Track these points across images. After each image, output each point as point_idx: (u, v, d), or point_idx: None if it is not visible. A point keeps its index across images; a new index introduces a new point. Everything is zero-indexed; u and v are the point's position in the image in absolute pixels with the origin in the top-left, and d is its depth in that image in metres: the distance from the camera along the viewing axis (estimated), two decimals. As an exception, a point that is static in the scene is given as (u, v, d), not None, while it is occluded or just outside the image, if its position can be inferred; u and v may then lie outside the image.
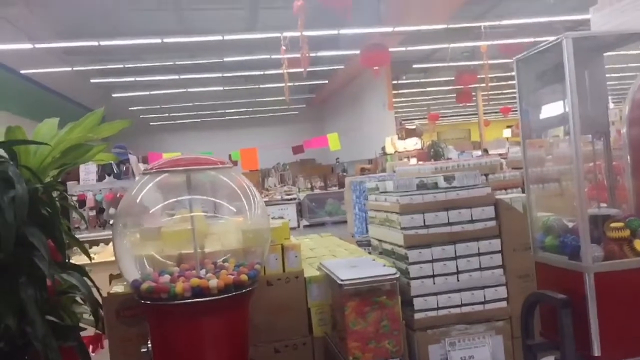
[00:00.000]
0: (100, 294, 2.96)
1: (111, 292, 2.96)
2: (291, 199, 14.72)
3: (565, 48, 2.29)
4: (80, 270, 2.94)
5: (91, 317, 2.93)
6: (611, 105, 3.00)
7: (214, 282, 2.41)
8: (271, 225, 3.06)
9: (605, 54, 2.68)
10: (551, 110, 2.69)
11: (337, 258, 3.47)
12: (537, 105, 2.79)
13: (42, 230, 2.56)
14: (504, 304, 3.29)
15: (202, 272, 2.60)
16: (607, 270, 2.30)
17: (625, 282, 2.32)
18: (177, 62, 14.72)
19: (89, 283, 2.91)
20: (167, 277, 2.52)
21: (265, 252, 2.80)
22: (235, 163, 13.24)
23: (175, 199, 2.76)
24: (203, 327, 2.43)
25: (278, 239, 3.13)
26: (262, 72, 16.30)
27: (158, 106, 21.71)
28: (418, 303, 3.19)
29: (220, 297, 2.39)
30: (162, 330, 2.48)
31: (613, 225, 2.34)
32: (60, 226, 2.84)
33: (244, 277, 2.50)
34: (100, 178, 7.96)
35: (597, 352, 2.29)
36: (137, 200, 2.66)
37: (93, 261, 3.82)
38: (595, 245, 2.33)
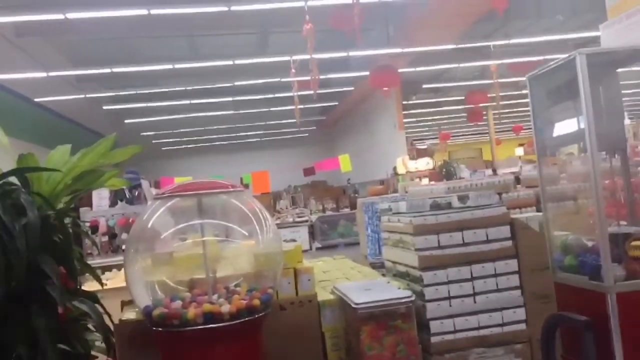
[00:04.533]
0: (112, 321, 2.92)
1: (123, 318, 2.92)
2: (303, 221, 14.65)
3: (579, 64, 2.26)
4: (92, 297, 2.92)
5: (103, 345, 2.90)
6: (627, 121, 2.96)
7: (226, 308, 2.37)
8: (283, 248, 3.02)
9: (619, 70, 2.65)
10: (566, 127, 2.65)
11: (351, 281, 3.41)
12: (551, 122, 2.75)
13: (54, 258, 2.55)
14: (523, 326, 3.21)
15: (214, 297, 2.56)
16: (630, 290, 2.24)
17: (649, 302, 2.25)
18: (188, 88, 14.85)
19: (100, 310, 2.88)
20: (179, 303, 2.49)
21: (278, 276, 2.76)
22: (246, 186, 13.28)
23: (186, 224, 2.74)
24: (216, 353, 2.39)
25: (290, 263, 3.09)
26: (272, 95, 16.40)
27: (170, 131, 21.87)
28: (434, 326, 3.12)
29: (232, 322, 2.35)
30: (174, 357, 2.44)
31: (635, 243, 2.28)
32: (72, 253, 2.82)
33: (256, 301, 2.46)
34: (113, 204, 7.98)
35: (621, 375, 2.21)
36: (149, 226, 2.65)
37: (105, 287, 3.80)
38: (617, 265, 2.27)
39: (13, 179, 2.77)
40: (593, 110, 2.32)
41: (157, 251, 2.74)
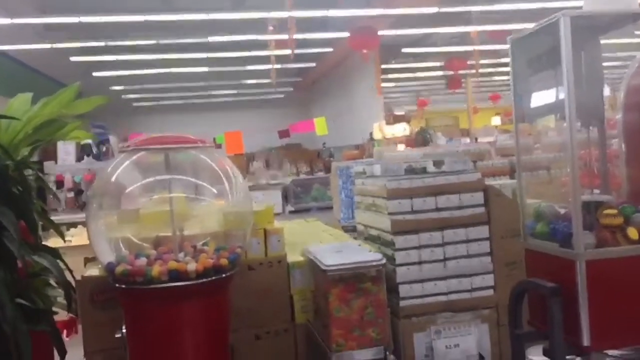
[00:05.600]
0: (74, 277, 2.84)
1: (85, 275, 2.84)
2: (276, 184, 14.59)
3: (563, 26, 2.19)
4: (53, 252, 2.83)
5: (65, 301, 2.82)
6: (607, 93, 2.92)
7: (192, 266, 2.31)
8: (254, 208, 2.95)
9: (600, 38, 2.60)
10: (545, 95, 2.60)
11: (322, 243, 3.38)
12: (531, 89, 2.70)
13: (13, 210, 2.44)
14: (490, 291, 3.23)
15: (181, 255, 2.49)
16: (599, 258, 2.23)
17: (618, 271, 2.25)
18: (160, 41, 14.40)
19: (62, 265, 2.80)
20: (143, 260, 2.41)
21: (247, 236, 2.70)
22: (219, 146, 13.08)
23: (153, 179, 2.64)
24: (180, 312, 2.34)
25: (261, 223, 3.02)
26: (248, 54, 16.04)
27: (141, 86, 21.31)
28: (404, 290, 3.12)
29: (198, 281, 2.29)
30: (137, 315, 2.38)
31: (607, 212, 2.26)
32: (32, 206, 2.71)
33: (224, 261, 2.40)
34: (79, 159, 7.76)
35: (586, 341, 2.22)
36: (113, 180, 2.54)
37: (69, 244, 3.70)
38: (588, 233, 2.26)
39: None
40: (574, 78, 2.26)
41: (122, 207, 2.63)
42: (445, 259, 3.19)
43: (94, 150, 7.71)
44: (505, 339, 2.84)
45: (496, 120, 17.65)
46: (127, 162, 2.51)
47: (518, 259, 2.87)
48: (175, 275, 2.29)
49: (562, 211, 2.49)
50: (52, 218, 6.04)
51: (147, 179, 2.67)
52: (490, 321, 3.19)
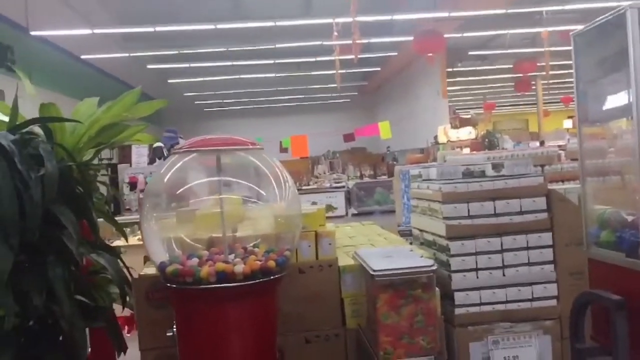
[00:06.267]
0: (131, 275, 2.93)
1: (142, 273, 2.92)
2: (340, 187, 14.61)
3: (630, 19, 2.04)
4: (112, 250, 2.92)
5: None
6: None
7: (239, 268, 2.32)
8: (306, 210, 2.94)
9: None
10: (614, 93, 2.44)
11: (375, 247, 3.32)
12: (597, 88, 2.54)
13: (74, 210, 2.54)
14: (553, 302, 3.06)
15: (231, 256, 2.51)
16: (669, 271, 2.06)
17: (690, 285, 2.07)
18: (230, 49, 14.79)
19: (120, 264, 2.89)
20: (195, 261, 2.45)
21: (296, 238, 2.68)
22: (285, 150, 13.25)
23: (205, 180, 2.68)
24: (227, 313, 2.35)
25: (312, 226, 3.01)
26: (314, 59, 16.17)
27: (212, 92, 21.98)
28: (459, 298, 3.01)
29: (245, 283, 2.29)
30: (186, 314, 2.41)
31: (679, 220, 2.09)
32: (92, 206, 2.82)
33: (271, 263, 2.39)
34: (152, 161, 8.12)
35: (654, 360, 2.06)
36: (165, 181, 2.60)
37: (130, 243, 3.83)
38: (658, 242, 2.09)
39: (38, 131, 2.77)
40: (643, 74, 2.10)
41: (174, 207, 2.69)
42: (504, 267, 3.05)
43: (165, 153, 8.06)
44: (569, 353, 2.68)
45: (568, 124, 16.86)
46: (179, 164, 2.56)
47: (584, 269, 2.70)
48: (222, 276, 2.30)
49: (630, 218, 2.32)
50: (125, 217, 6.29)
51: (199, 180, 2.72)
52: (552, 333, 3.02)
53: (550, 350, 3.01)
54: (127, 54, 14.51)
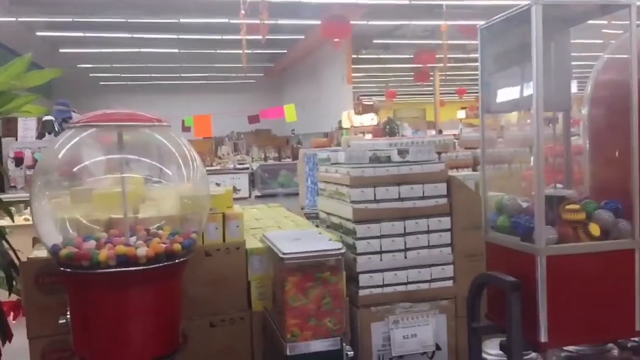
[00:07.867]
0: (19, 259, 2.70)
1: (31, 256, 2.69)
2: (244, 169, 14.46)
3: (534, 15, 2.14)
4: (-4, 231, 2.67)
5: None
6: (574, 89, 2.91)
7: (142, 251, 2.19)
8: (213, 192, 2.85)
9: (571, 29, 2.57)
10: (513, 86, 2.57)
11: (283, 230, 3.30)
12: (498, 79, 2.66)
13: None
14: (450, 283, 3.21)
15: (133, 239, 2.37)
16: (560, 254, 2.21)
17: (578, 267, 2.24)
18: (129, 20, 14.02)
19: (6, 245, 2.65)
20: (92, 243, 2.28)
21: (204, 220, 2.59)
22: (188, 129, 12.84)
23: (101, 158, 2.51)
24: (128, 298, 2.23)
25: (220, 207, 2.92)
26: (219, 37, 15.77)
27: (109, 65, 20.77)
28: (363, 280, 3.07)
29: (148, 267, 2.18)
30: (82, 301, 2.25)
31: (569, 207, 2.24)
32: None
33: (177, 246, 2.29)
34: (40, 136, 7.51)
35: (543, 337, 2.21)
36: (59, 157, 2.39)
37: (17, 223, 3.53)
38: (550, 227, 2.24)
39: None
40: (543, 68, 2.22)
41: (69, 186, 2.49)
42: (406, 249, 3.15)
43: (56, 127, 7.45)
44: (463, 331, 2.82)
45: (461, 114, 17.82)
46: (76, 139, 2.37)
47: (479, 252, 2.85)
48: (124, 259, 2.17)
49: (525, 205, 2.47)
50: (10, 195, 5.80)
51: (98, 157, 2.53)
52: (448, 312, 3.18)
53: (446, 328, 3.17)
54: (14, 19, 13.32)
